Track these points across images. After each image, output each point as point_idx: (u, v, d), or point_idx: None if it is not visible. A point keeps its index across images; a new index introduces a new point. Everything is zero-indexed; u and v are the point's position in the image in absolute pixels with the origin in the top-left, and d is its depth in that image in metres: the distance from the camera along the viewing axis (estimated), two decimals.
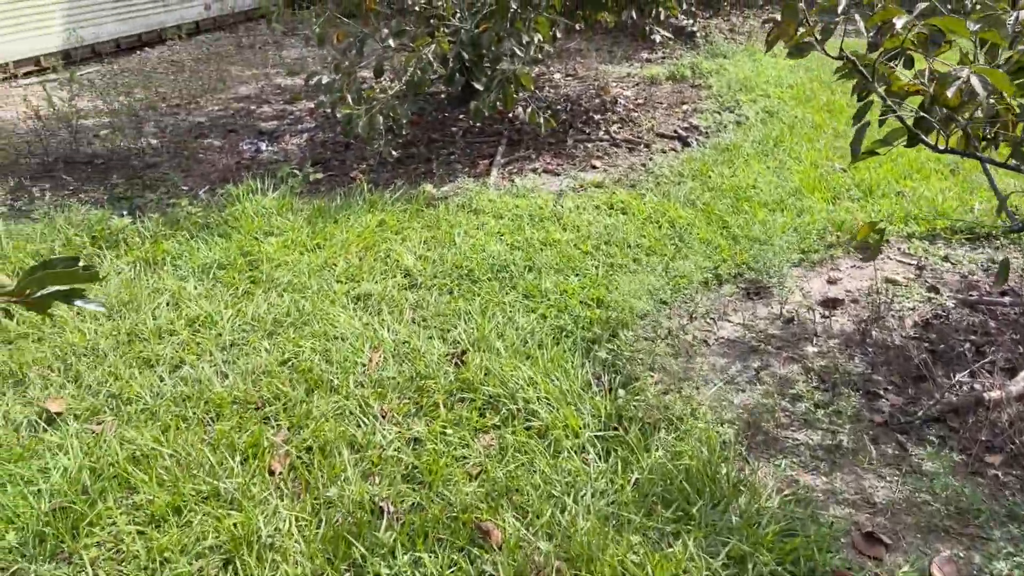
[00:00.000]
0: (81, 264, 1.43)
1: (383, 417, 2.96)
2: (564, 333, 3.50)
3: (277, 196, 4.98)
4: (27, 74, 8.30)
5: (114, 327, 3.58)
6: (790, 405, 3.13)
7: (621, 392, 3.03)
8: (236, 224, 4.63)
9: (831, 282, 4.15)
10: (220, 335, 3.53)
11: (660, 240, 4.43)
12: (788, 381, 3.28)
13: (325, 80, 5.38)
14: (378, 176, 5.65)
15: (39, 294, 1.37)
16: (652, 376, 3.23)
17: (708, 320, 3.75)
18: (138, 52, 9.81)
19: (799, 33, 2.40)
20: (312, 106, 7.42)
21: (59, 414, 2.95)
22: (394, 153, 5.40)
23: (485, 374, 3.17)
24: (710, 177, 5.42)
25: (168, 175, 5.63)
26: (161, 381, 3.20)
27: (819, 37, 2.42)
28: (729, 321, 3.76)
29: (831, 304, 3.92)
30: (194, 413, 2.99)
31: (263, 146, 6.34)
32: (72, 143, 6.07)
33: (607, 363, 3.27)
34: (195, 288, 3.94)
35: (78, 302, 1.42)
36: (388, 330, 3.56)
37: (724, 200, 4.98)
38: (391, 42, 5.51)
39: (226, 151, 6.22)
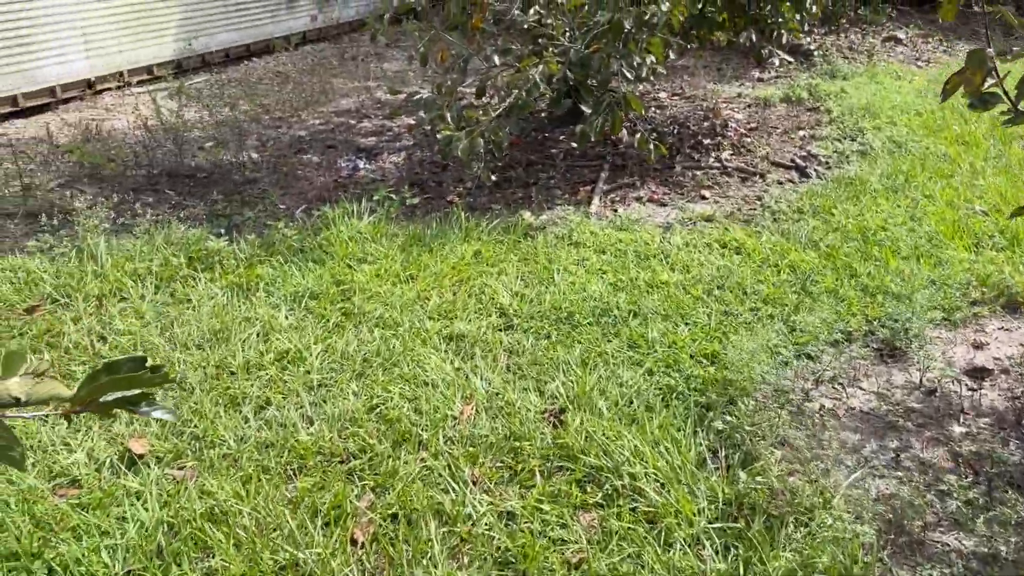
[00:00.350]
0: (149, 364, 1.23)
1: (474, 483, 2.72)
2: (674, 394, 3.18)
3: (372, 220, 4.83)
4: (140, 82, 8.53)
5: (203, 358, 3.48)
6: (937, 500, 2.72)
7: (742, 474, 2.69)
8: (330, 249, 4.50)
9: (977, 347, 3.67)
10: (308, 373, 3.37)
11: (780, 288, 4.04)
12: (933, 468, 2.87)
13: (424, 95, 5.23)
14: (475, 200, 5.45)
15: (101, 401, 1.18)
16: (775, 453, 2.88)
17: (837, 386, 3.36)
18: (245, 62, 9.98)
19: (987, 84, 2.03)
20: (411, 122, 7.31)
21: (141, 456, 2.84)
22: (492, 177, 5.19)
23: (586, 439, 2.89)
24: (833, 215, 4.97)
25: (267, 192, 5.59)
26: (246, 423, 3.06)
27: (1014, 91, 2.04)
28: (861, 388, 3.36)
29: (979, 374, 3.46)
30: (277, 463, 2.82)
31: (361, 164, 6.25)
32: (177, 155, 6.12)
33: (724, 435, 2.93)
34: (286, 318, 3.81)
35: (144, 409, 1.22)
36: (481, 378, 3.32)
37: (851, 243, 4.54)
38: (496, 60, 5.31)
39: (324, 168, 6.15)
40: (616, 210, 5.21)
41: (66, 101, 7.71)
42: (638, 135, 4.99)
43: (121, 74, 8.27)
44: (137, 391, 1.22)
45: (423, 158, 6.42)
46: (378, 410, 3.14)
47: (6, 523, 2.49)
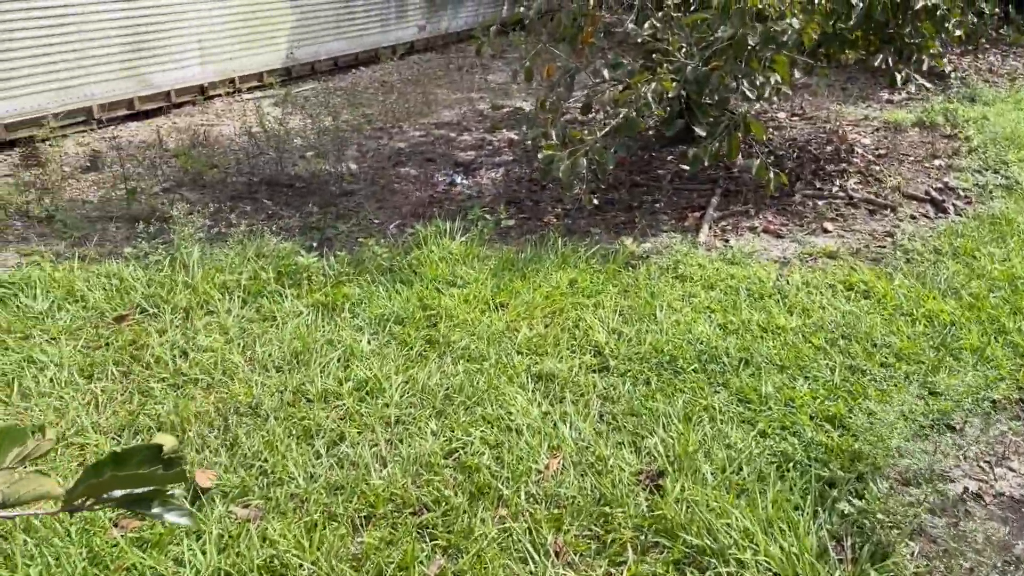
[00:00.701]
0: (166, 453, 1.00)
1: (556, 554, 2.42)
2: (791, 463, 2.79)
3: (465, 240, 4.62)
4: (251, 89, 8.68)
5: (281, 382, 3.32)
6: None
7: (872, 572, 2.28)
8: (420, 269, 4.30)
9: None
10: (386, 406, 3.16)
11: (915, 341, 3.56)
12: None
13: (527, 108, 4.99)
14: (573, 222, 5.16)
15: (104, 497, 0.96)
16: (911, 545, 2.45)
17: (983, 465, 2.88)
18: (353, 71, 10.04)
19: None
20: (512, 136, 7.10)
21: (206, 490, 2.68)
22: (594, 200, 4.88)
23: (687, 511, 2.54)
24: (976, 258, 4.42)
25: (362, 205, 5.48)
26: (317, 459, 2.86)
27: None
28: (1011, 469, 2.87)
29: None
30: (345, 509, 2.61)
31: (458, 179, 6.07)
32: (278, 163, 6.11)
33: (850, 519, 2.52)
34: (368, 343, 3.62)
35: (156, 511, 0.99)
36: (571, 427, 3.02)
37: (998, 293, 4.00)
38: (605, 75, 5.01)
39: (421, 182, 6.00)
40: (727, 240, 4.81)
41: (179, 106, 7.90)
42: (757, 161, 4.57)
43: (233, 80, 8.43)
44: (150, 489, 1.00)
45: (521, 175, 6.18)
46: (457, 455, 2.89)
47: (62, 557, 2.36)
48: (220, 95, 8.33)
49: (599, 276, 4.25)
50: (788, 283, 4.17)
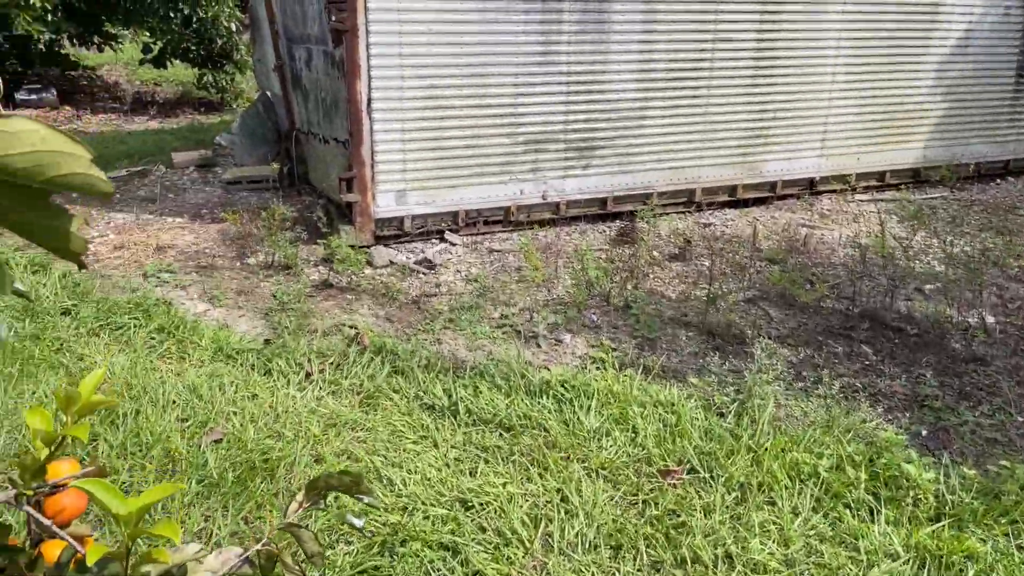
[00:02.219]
0: None
1: None
2: None
3: None
4: (866, 188, 7.56)
5: None
6: None
7: None
8: None
9: None
10: None
11: None
12: None
13: None
14: None
15: None
16: None
17: None
18: (996, 181, 8.13)
19: None
20: None
21: None
22: None
23: None
24: None
25: (998, 385, 3.96)
26: None
27: None
28: None
29: None
30: None
31: None
32: (888, 294, 4.92)
33: None
34: None
35: None
36: None
37: None
38: None
39: None
40: None
41: (782, 198, 7.22)
42: None
43: (846, 177, 7.42)
44: None
45: None
46: None
47: None
48: (829, 192, 7.40)
49: None
50: None
